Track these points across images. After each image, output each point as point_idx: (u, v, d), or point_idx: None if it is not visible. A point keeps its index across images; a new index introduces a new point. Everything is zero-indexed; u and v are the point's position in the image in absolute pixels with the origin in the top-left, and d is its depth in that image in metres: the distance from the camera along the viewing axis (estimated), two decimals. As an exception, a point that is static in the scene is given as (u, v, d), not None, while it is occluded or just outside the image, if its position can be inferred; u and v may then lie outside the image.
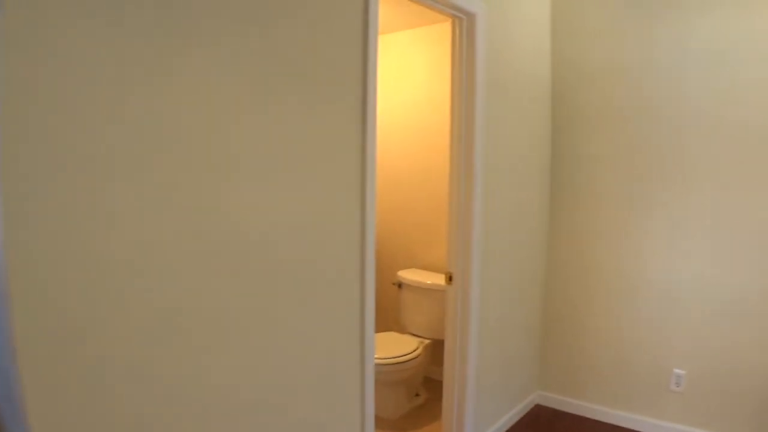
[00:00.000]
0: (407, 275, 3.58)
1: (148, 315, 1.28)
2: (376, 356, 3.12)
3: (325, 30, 1.70)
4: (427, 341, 3.46)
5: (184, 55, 1.31)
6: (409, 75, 3.71)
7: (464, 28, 2.43)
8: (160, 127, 1.27)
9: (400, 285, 3.62)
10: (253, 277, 1.53)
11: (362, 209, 1.88)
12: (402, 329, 3.71)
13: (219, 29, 1.38)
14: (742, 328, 2.66)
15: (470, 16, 2.40)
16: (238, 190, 1.47)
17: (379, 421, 3.20)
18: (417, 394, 3.49)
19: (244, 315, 1.52)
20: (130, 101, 1.20)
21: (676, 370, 2.85)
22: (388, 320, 4.01)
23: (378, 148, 3.98)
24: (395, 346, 3.25)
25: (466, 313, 2.55)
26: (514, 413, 3.11)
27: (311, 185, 1.69)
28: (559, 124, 3.09)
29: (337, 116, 1.76)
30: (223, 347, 1.47)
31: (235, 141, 1.45)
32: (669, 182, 2.79)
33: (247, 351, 1.53)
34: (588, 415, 3.15)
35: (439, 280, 3.39)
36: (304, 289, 1.71)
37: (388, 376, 3.17)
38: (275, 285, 1.60)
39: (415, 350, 3.23)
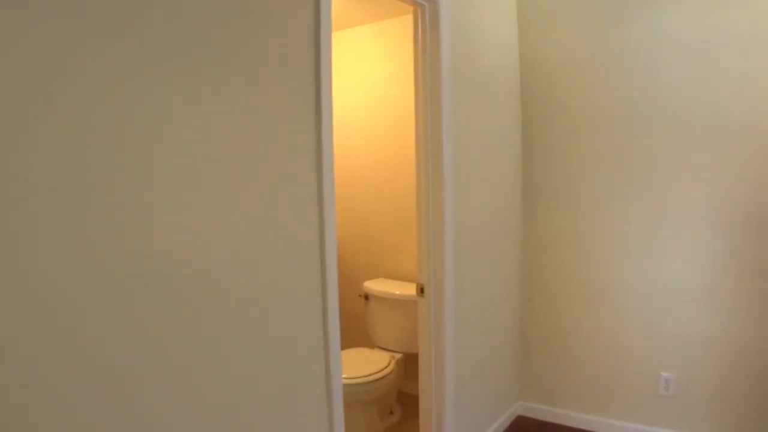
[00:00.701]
0: (374, 286, 3.35)
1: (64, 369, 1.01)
2: (344, 376, 2.88)
3: (269, 22, 1.46)
4: (398, 355, 3.23)
5: (86, 49, 1.05)
6: (370, 72, 3.49)
7: (427, 17, 2.22)
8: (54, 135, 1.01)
9: (366, 297, 3.39)
10: (184, 314, 1.28)
11: (320, 220, 1.65)
12: (371, 344, 3.48)
13: (134, 18, 1.13)
14: (727, 326, 2.53)
15: (433, 3, 2.20)
16: (161, 212, 1.21)
17: (350, 445, 2.96)
18: (391, 412, 3.26)
19: (176, 358, 1.26)
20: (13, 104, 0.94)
21: (664, 374, 2.70)
22: (356, 335, 3.78)
23: (337, 149, 3.74)
24: (365, 364, 3.01)
25: (441, 326, 2.34)
26: (496, 427, 2.92)
27: (257, 197, 1.45)
28: (531, 119, 2.92)
29: (286, 119, 1.53)
30: (155, 395, 1.21)
31: (145, 150, 1.19)
32: (648, 178, 2.64)
33: (190, 394, 1.28)
34: (574, 425, 2.97)
35: (409, 290, 3.17)
36: (254, 321, 1.46)
37: (359, 396, 2.93)
38: (214, 323, 1.35)
39: (386, 367, 3.00)
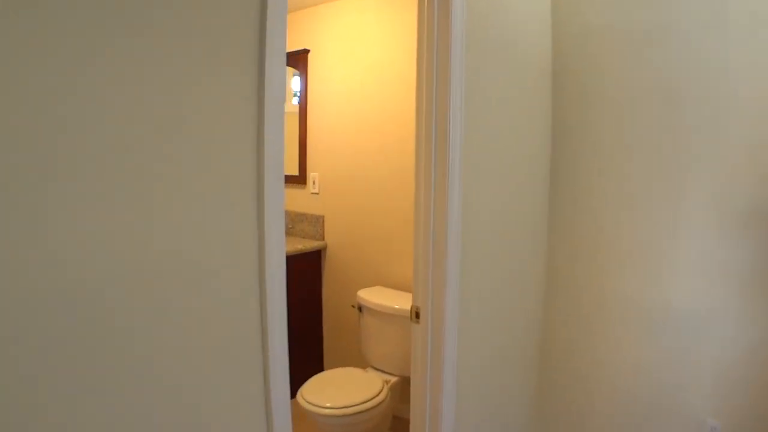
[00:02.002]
0: (369, 296, 2.88)
1: None
2: (328, 405, 2.42)
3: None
4: (394, 379, 2.76)
5: None
6: (370, 48, 3.00)
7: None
8: None
9: (360, 308, 2.92)
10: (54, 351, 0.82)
11: (259, 220, 1.17)
12: (363, 362, 3.01)
13: None
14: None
15: (443, -50, 1.70)
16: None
17: (330, 488, 2.50)
18: (382, 445, 2.80)
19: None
20: None
21: (711, 422, 2.18)
22: (347, 351, 3.31)
23: (329, 138, 3.26)
24: (353, 389, 2.54)
25: (439, 362, 1.86)
26: (503, 476, 2.43)
27: (162, 200, 0.98)
28: (563, 103, 2.40)
29: (210, 95, 1.05)
30: None
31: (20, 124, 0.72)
32: (708, 179, 2.11)
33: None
34: (596, 477, 2.47)
35: (409, 301, 2.69)
36: (160, 375, 0.99)
37: (345, 429, 2.47)
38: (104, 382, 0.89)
39: (377, 394, 2.53)
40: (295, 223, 3.57)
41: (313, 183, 3.43)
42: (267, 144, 1.14)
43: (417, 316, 1.88)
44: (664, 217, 2.17)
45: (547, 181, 2.42)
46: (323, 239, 3.41)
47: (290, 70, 3.51)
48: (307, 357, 3.41)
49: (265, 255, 1.18)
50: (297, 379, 2.92)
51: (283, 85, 1.18)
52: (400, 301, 2.76)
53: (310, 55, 3.36)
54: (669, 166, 2.15)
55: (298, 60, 3.42)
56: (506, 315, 2.21)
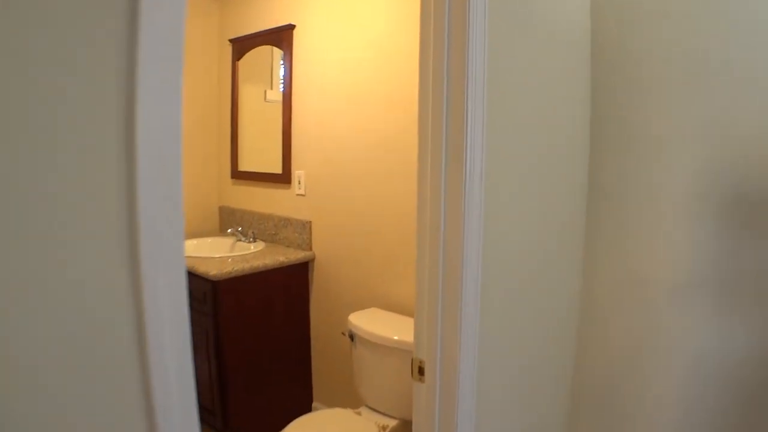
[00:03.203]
0: (362, 322, 2.36)
1: None
2: (307, 464, 1.91)
3: None
4: (392, 423, 2.25)
5: None
6: (373, 21, 2.48)
7: None
8: None
9: (351, 336, 2.41)
10: None
11: (133, 272, 0.67)
12: (356, 401, 2.50)
13: None
14: None
15: None
16: None
17: None
18: (378, 505, 2.29)
19: None
20: None
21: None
22: (340, 384, 2.80)
23: (317, 130, 2.75)
24: (339, 444, 2.04)
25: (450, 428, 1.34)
26: None
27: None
28: (604, 87, 1.87)
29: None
30: None
31: None
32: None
33: None
34: None
35: (412, 330, 2.17)
36: None
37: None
38: None
39: (371, 448, 2.03)
40: (278, 229, 3.06)
41: (299, 182, 2.92)
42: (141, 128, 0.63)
43: (421, 372, 1.36)
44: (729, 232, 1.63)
45: (585, 183, 1.89)
46: (310, 249, 2.90)
47: (272, 49, 2.99)
48: (293, 391, 2.91)
49: (146, 309, 0.67)
50: (282, 419, 2.44)
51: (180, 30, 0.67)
52: (401, 329, 2.24)
53: (295, 32, 2.84)
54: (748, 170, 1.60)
55: (281, 38, 2.90)
56: (539, 358, 1.68)
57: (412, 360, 1.38)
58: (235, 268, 2.53)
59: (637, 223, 1.79)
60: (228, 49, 3.31)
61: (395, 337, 2.20)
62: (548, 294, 1.67)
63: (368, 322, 2.36)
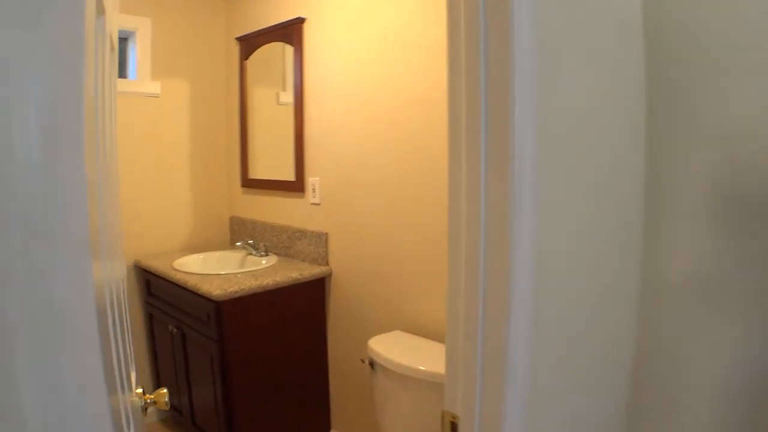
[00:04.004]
0: (383, 348, 2.08)
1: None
2: None
3: None
4: (419, 464, 1.97)
5: None
6: (379, 10, 2.21)
7: None
8: None
9: (372, 364, 2.13)
10: None
11: None
12: (378, 436, 2.22)
13: None
14: None
15: None
16: None
17: None
18: None
19: None
20: None
21: None
22: (361, 415, 2.52)
23: (325, 136, 2.50)
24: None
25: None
26: None
27: None
28: (661, 82, 1.55)
29: None
30: None
31: None
32: None
33: None
34: None
35: (441, 357, 1.89)
36: None
37: None
38: None
39: (395, 498, 1.74)
40: (292, 241, 2.80)
41: (313, 190, 2.66)
42: None
43: (454, 428, 1.08)
44: None
45: (642, 178, 1.57)
46: (327, 263, 2.63)
47: (284, 48, 2.73)
48: (308, 420, 2.63)
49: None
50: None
51: None
52: (428, 357, 1.96)
53: (305, 26, 2.59)
54: None
55: (290, 33, 2.65)
56: (603, 406, 1.37)
57: (442, 414, 1.09)
58: (242, 287, 2.27)
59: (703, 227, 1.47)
60: (236, 48, 3.07)
61: (421, 367, 1.91)
62: (610, 328, 1.36)
63: (390, 348, 2.08)
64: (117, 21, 1.17)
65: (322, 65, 2.53)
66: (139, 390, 1.25)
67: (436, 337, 2.14)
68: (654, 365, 1.30)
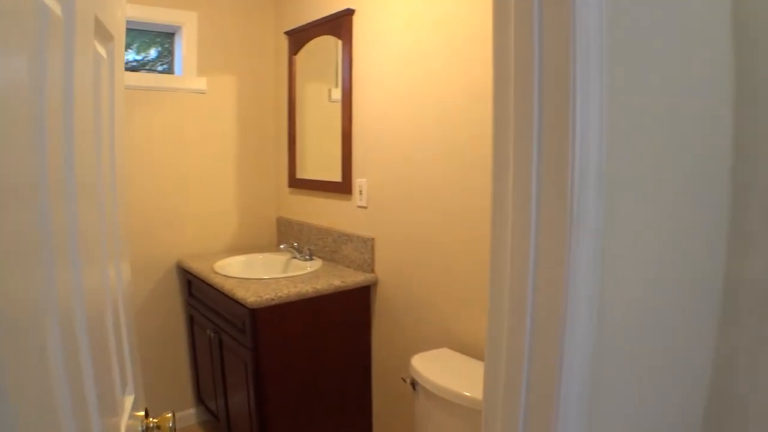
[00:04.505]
0: (427, 367, 1.89)
1: None
2: None
3: None
4: (464, 499, 1.77)
5: None
6: (436, 4, 2.03)
7: None
8: None
9: (413, 384, 1.95)
10: None
11: None
12: (420, 463, 2.03)
13: None
14: None
15: None
16: None
17: None
18: None
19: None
20: None
21: None
22: None
23: (374, 136, 2.34)
24: None
25: None
26: None
27: None
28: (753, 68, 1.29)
29: None
30: None
31: None
32: None
33: None
34: None
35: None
36: None
37: None
38: None
39: None
40: (338, 245, 2.65)
41: (360, 192, 2.50)
42: None
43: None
44: None
45: (727, 209, 1.31)
46: (373, 270, 2.47)
47: (337, 42, 2.59)
48: (347, 434, 2.48)
49: None
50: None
51: None
52: (475, 382, 1.76)
53: (355, 18, 2.43)
54: None
55: (339, 25, 2.50)
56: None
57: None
58: (279, 294, 2.14)
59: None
60: (285, 43, 2.96)
61: (466, 393, 1.71)
62: (685, 372, 1.12)
63: (434, 367, 1.89)
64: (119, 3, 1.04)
65: (372, 59, 2.36)
66: (141, 413, 1.12)
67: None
68: (730, 385, 1.05)
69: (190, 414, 2.97)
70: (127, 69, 2.84)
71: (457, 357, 1.99)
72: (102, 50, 0.93)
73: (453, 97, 1.99)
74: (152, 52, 2.90)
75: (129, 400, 1.04)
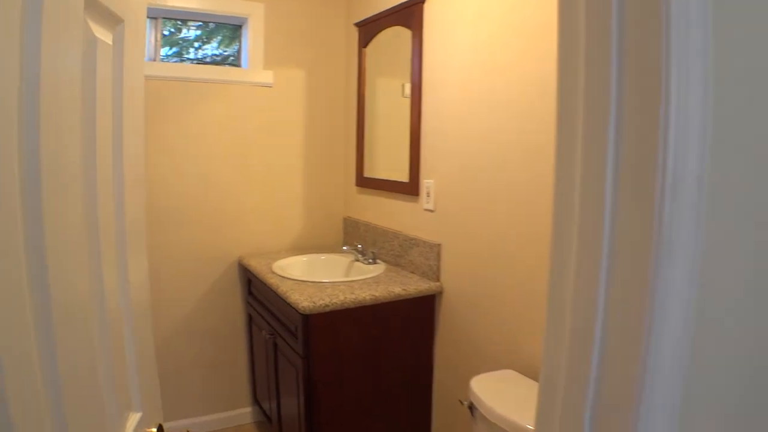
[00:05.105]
0: (488, 391, 1.70)
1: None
2: None
3: None
4: None
5: None
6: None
7: None
8: None
9: (471, 408, 1.76)
10: None
11: None
12: (477, 496, 1.83)
13: None
14: None
15: None
16: None
17: None
18: None
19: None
20: None
21: None
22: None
23: (445, 134, 2.17)
24: None
25: None
26: None
27: None
28: None
29: None
30: None
31: None
32: None
33: None
34: None
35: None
36: None
37: None
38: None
39: None
40: (404, 249, 2.49)
41: (427, 194, 2.33)
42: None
43: None
44: None
45: None
46: (438, 279, 2.29)
47: (411, 34, 2.43)
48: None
49: None
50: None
51: None
52: (540, 413, 1.55)
53: (426, 6, 2.27)
54: None
55: (409, 15, 2.34)
56: None
57: None
58: (334, 300, 2.01)
59: None
60: (356, 35, 2.84)
61: (529, 426, 1.51)
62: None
63: (496, 392, 1.70)
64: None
65: (442, 51, 2.19)
66: (153, 429, 1.02)
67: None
68: None
69: (246, 413, 2.92)
70: (208, 63, 2.82)
71: (523, 381, 1.78)
72: (103, 34, 0.82)
73: (529, 91, 1.78)
74: (235, 47, 2.86)
75: (133, 418, 0.94)
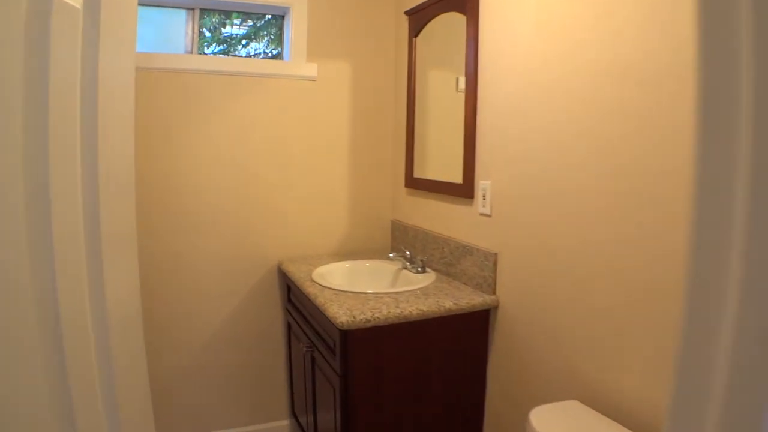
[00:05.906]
0: (549, 428, 1.46)
1: None
2: None
3: None
4: None
5: None
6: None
7: None
8: None
9: (532, 448, 1.52)
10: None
11: None
12: None
13: None
14: None
15: None
16: None
17: None
18: None
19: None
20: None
21: None
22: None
23: (503, 132, 1.94)
24: None
25: None
26: None
27: None
28: None
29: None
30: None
31: None
32: None
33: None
34: None
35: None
36: None
37: None
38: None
39: None
40: (456, 258, 2.27)
41: (483, 198, 2.10)
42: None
43: None
44: None
45: None
46: (494, 292, 2.06)
47: (455, 18, 2.20)
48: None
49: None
50: None
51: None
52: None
53: (484, -11, 2.04)
54: None
55: (462, 1, 2.11)
56: None
57: None
58: (376, 315, 1.81)
59: None
60: (406, 24, 2.63)
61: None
62: None
63: (559, 428, 1.45)
64: None
65: (505, 41, 1.95)
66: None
67: (635, 424, 1.45)
68: None
69: (283, 425, 2.77)
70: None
71: (591, 415, 1.53)
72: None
73: (602, 79, 1.52)
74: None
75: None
